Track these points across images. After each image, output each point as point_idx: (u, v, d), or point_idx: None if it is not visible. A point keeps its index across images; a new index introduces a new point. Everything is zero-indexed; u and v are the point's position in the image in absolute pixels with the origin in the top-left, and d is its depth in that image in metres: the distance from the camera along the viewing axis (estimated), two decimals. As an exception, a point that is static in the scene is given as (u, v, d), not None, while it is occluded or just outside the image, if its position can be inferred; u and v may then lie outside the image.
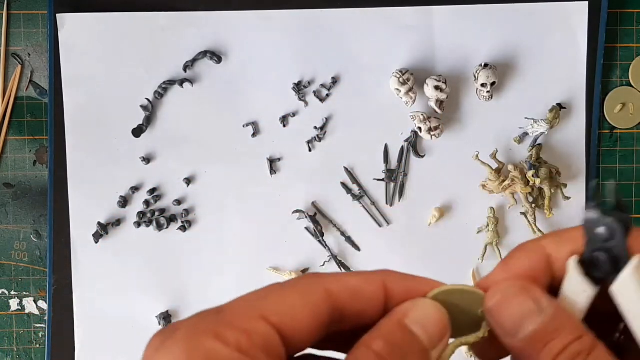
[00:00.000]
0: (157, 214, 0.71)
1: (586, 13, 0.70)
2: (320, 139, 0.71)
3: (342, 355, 0.30)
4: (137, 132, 0.71)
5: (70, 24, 0.70)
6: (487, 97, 0.70)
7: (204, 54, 0.70)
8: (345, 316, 0.29)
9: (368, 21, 0.70)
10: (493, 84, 0.69)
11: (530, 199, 0.71)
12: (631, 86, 0.73)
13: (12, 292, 0.72)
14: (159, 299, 0.71)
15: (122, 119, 0.71)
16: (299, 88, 0.71)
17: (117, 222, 0.71)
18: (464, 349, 0.72)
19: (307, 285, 0.28)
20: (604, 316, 0.30)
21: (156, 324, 0.71)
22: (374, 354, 0.27)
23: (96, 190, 0.71)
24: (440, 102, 0.70)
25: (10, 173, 0.72)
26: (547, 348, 0.28)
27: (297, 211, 0.71)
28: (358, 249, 0.72)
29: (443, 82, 0.69)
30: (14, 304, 0.73)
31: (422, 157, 0.72)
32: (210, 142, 0.71)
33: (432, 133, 0.70)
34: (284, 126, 0.71)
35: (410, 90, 0.69)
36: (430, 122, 0.69)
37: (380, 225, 0.72)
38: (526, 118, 0.71)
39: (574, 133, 0.72)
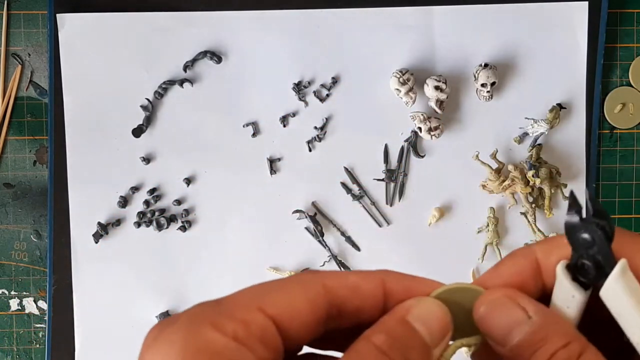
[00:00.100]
0: (157, 214, 0.71)
1: (586, 13, 0.70)
2: (320, 139, 0.71)
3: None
4: (137, 132, 0.71)
5: (70, 24, 0.70)
6: (487, 97, 0.70)
7: (204, 54, 0.70)
8: (344, 313, 0.29)
9: (368, 21, 0.70)
10: (493, 84, 0.69)
11: (530, 199, 0.71)
12: (631, 86, 0.73)
13: (12, 292, 0.72)
14: (159, 299, 0.71)
15: (122, 119, 0.71)
16: (299, 88, 0.71)
17: (117, 222, 0.71)
18: (464, 349, 0.72)
19: (306, 280, 0.29)
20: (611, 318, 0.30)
21: (156, 324, 0.71)
22: (375, 347, 0.27)
23: (96, 190, 0.71)
24: (440, 102, 0.70)
25: (10, 173, 0.72)
26: (534, 356, 0.28)
27: (297, 211, 0.71)
28: (358, 249, 0.72)
29: (443, 82, 0.69)
30: (14, 304, 0.73)
31: (422, 157, 0.72)
32: (210, 142, 0.71)
33: (432, 133, 0.70)
34: (284, 126, 0.71)
35: (410, 90, 0.69)
36: (430, 122, 0.69)
37: (380, 225, 0.72)
38: (526, 118, 0.71)
39: (574, 133, 0.72)
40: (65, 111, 0.70)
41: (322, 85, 0.71)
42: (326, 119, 0.71)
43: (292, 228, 0.72)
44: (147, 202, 0.71)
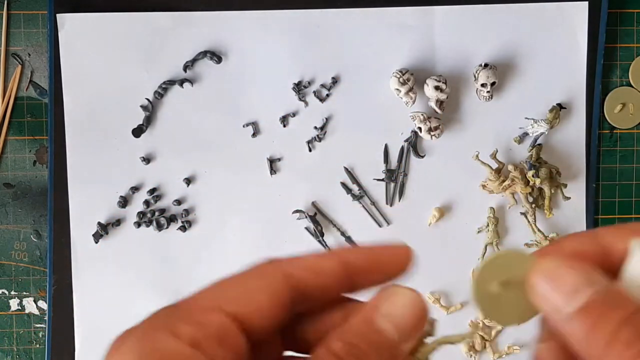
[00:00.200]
0: (157, 214, 0.71)
1: (586, 13, 0.70)
2: (320, 139, 0.71)
3: None
4: (137, 132, 0.71)
5: (70, 24, 0.70)
6: (487, 97, 0.70)
7: (204, 54, 0.70)
8: (307, 295, 0.28)
9: (368, 21, 0.70)
10: (493, 84, 0.69)
11: (530, 199, 0.71)
12: (631, 86, 0.73)
13: (12, 292, 0.72)
14: (159, 299, 0.71)
15: (122, 119, 0.71)
16: (299, 88, 0.71)
17: (117, 222, 0.71)
18: (464, 349, 0.72)
19: (262, 269, 0.29)
20: None
21: (156, 324, 0.71)
22: (332, 355, 0.27)
23: (96, 190, 0.71)
24: (440, 102, 0.70)
25: (10, 173, 0.72)
26: (602, 322, 0.25)
27: (297, 211, 0.71)
28: (358, 249, 0.72)
29: (443, 82, 0.69)
30: (14, 304, 0.73)
31: (422, 157, 0.72)
32: (210, 142, 0.71)
33: (432, 133, 0.70)
34: (284, 126, 0.71)
35: (410, 90, 0.69)
36: (430, 122, 0.69)
37: (380, 225, 0.72)
38: (526, 118, 0.71)
39: (574, 133, 0.72)
40: (65, 111, 0.70)
41: (322, 85, 0.71)
42: (326, 119, 0.71)
43: (292, 228, 0.72)
44: (147, 202, 0.71)
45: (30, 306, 0.73)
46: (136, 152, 0.71)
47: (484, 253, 0.72)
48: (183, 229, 0.71)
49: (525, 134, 0.72)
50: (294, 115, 0.71)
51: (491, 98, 0.70)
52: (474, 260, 0.72)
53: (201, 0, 0.70)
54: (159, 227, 0.71)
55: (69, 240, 0.71)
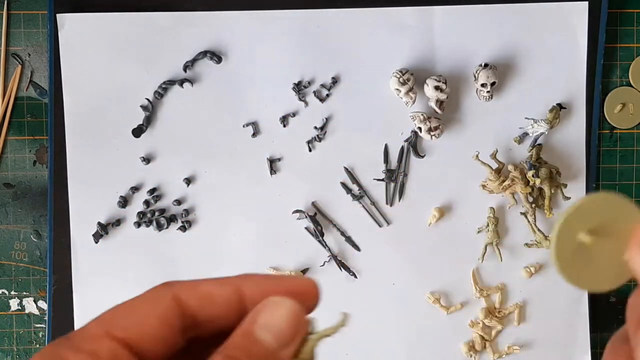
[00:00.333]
0: (157, 214, 0.71)
1: (586, 13, 0.70)
2: (320, 139, 0.71)
3: None
4: (137, 132, 0.71)
5: (70, 24, 0.70)
6: (487, 97, 0.70)
7: (204, 54, 0.70)
8: (199, 322, 0.29)
9: (368, 21, 0.70)
10: (493, 84, 0.69)
11: (530, 199, 0.71)
12: (631, 86, 0.73)
13: (12, 292, 0.72)
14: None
15: (122, 119, 0.71)
16: (299, 88, 0.71)
17: (117, 222, 0.71)
18: (464, 349, 0.72)
19: (154, 294, 0.29)
20: None
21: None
22: None
23: (96, 190, 0.71)
24: (440, 102, 0.70)
25: (10, 173, 0.72)
26: None
27: (297, 211, 0.71)
28: (358, 249, 0.72)
29: (443, 82, 0.69)
30: (14, 304, 0.73)
31: (422, 157, 0.72)
32: (210, 142, 0.71)
33: (432, 133, 0.70)
34: (284, 126, 0.71)
35: (410, 90, 0.69)
36: (430, 122, 0.69)
37: (380, 225, 0.72)
38: (526, 118, 0.71)
39: (574, 133, 0.72)
40: (65, 111, 0.70)
41: (322, 85, 0.71)
42: (326, 119, 0.71)
43: (292, 228, 0.72)
44: (147, 202, 0.71)
45: (30, 306, 0.73)
46: (136, 152, 0.71)
47: (484, 253, 0.72)
48: (183, 229, 0.71)
49: (525, 134, 0.72)
50: (294, 115, 0.71)
51: (491, 98, 0.70)
52: (474, 260, 0.72)
53: (201, 0, 0.70)
54: (159, 227, 0.71)
55: (69, 240, 0.71)
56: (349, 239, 0.72)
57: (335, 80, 0.71)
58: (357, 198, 0.72)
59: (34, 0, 0.71)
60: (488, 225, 0.71)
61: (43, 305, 0.72)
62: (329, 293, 0.72)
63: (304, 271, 0.72)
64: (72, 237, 0.71)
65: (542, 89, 0.71)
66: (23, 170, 0.72)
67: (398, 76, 0.69)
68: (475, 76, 0.70)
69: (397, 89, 0.69)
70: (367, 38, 0.70)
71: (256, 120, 0.71)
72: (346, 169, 0.72)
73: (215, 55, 0.70)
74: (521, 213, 0.72)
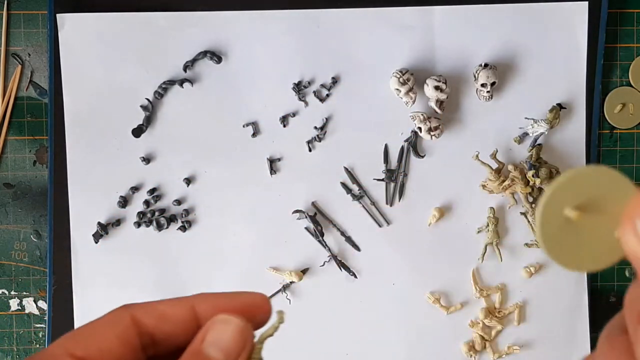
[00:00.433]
0: (157, 214, 0.71)
1: (586, 13, 0.70)
2: (320, 139, 0.71)
3: None
4: (137, 132, 0.71)
5: (70, 24, 0.70)
6: (487, 97, 0.70)
7: (204, 54, 0.70)
8: (157, 340, 0.30)
9: (368, 21, 0.70)
10: (493, 84, 0.69)
11: (530, 199, 0.71)
12: (631, 86, 0.73)
13: (12, 292, 0.72)
14: (158, 298, 0.71)
15: (122, 119, 0.71)
16: (299, 88, 0.71)
17: (117, 222, 0.71)
18: (464, 349, 0.72)
19: (113, 316, 0.30)
20: None
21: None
22: None
23: (96, 190, 0.71)
24: (440, 102, 0.70)
25: (10, 173, 0.72)
26: None
27: (297, 211, 0.71)
28: (358, 249, 0.72)
29: (443, 82, 0.69)
30: (14, 304, 0.73)
31: (422, 157, 0.72)
32: (210, 142, 0.71)
33: (432, 133, 0.70)
34: (284, 126, 0.71)
35: (410, 90, 0.69)
36: (430, 122, 0.69)
37: (380, 225, 0.72)
38: (526, 118, 0.71)
39: (574, 133, 0.72)
40: (65, 111, 0.70)
41: (322, 85, 0.71)
42: (326, 119, 0.71)
43: (292, 228, 0.72)
44: (147, 202, 0.71)
45: (30, 306, 0.73)
46: (136, 152, 0.71)
47: (484, 253, 0.72)
48: (183, 229, 0.71)
49: (525, 134, 0.72)
50: (294, 115, 0.71)
51: (491, 98, 0.71)
52: (474, 260, 0.72)
53: (201, 0, 0.70)
54: (159, 227, 0.71)
55: (69, 240, 0.71)
56: (349, 239, 0.72)
57: (335, 80, 0.71)
58: (357, 198, 0.72)
59: (34, 0, 0.71)
60: (488, 225, 0.71)
61: (43, 305, 0.72)
62: (329, 293, 0.72)
63: (304, 271, 0.72)
64: (72, 237, 0.71)
65: (542, 89, 0.71)
66: (23, 170, 0.72)
67: (398, 76, 0.69)
68: (475, 76, 0.70)
69: (397, 89, 0.69)
70: (367, 38, 0.70)
71: (256, 120, 0.71)
72: (346, 169, 0.72)
73: (215, 55, 0.70)
74: (521, 213, 0.72)
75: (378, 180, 0.72)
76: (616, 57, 0.73)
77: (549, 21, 0.71)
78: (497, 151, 0.70)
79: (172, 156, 0.71)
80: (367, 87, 0.71)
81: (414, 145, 0.71)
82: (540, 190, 0.71)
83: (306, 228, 0.72)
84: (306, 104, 0.71)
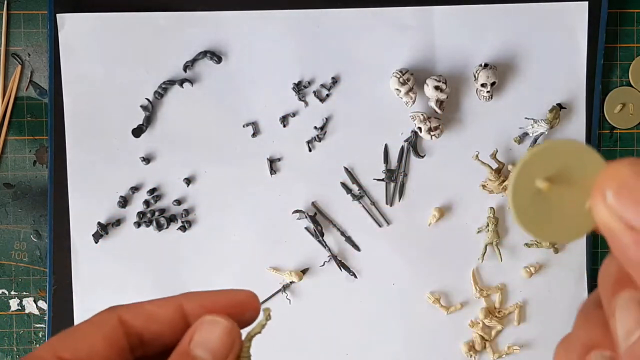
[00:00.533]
0: (157, 214, 0.71)
1: (586, 13, 0.70)
2: (320, 139, 0.71)
3: None
4: (137, 132, 0.71)
5: (70, 24, 0.70)
6: (487, 97, 0.70)
7: (204, 54, 0.70)
8: (146, 341, 0.30)
9: (368, 21, 0.70)
10: (493, 84, 0.69)
11: (530, 199, 0.71)
12: (631, 86, 0.73)
13: (12, 292, 0.72)
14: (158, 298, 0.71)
15: (122, 119, 0.71)
16: (299, 88, 0.71)
17: (117, 222, 0.71)
18: (464, 349, 0.72)
19: (100, 317, 0.30)
20: None
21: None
22: None
23: (96, 190, 0.71)
24: (440, 102, 0.70)
25: (10, 173, 0.72)
26: None
27: (297, 211, 0.71)
28: (358, 249, 0.72)
29: (443, 82, 0.69)
30: (14, 304, 0.73)
31: (422, 157, 0.72)
32: (210, 142, 0.71)
33: (432, 133, 0.70)
34: (284, 126, 0.71)
35: (410, 90, 0.69)
36: (430, 122, 0.69)
37: (380, 225, 0.72)
38: (526, 118, 0.71)
39: (574, 133, 0.72)
40: (65, 111, 0.70)
41: (322, 85, 0.71)
42: (326, 119, 0.71)
43: (292, 228, 0.72)
44: (147, 202, 0.71)
45: (30, 306, 0.73)
46: (136, 152, 0.71)
47: (484, 253, 0.72)
48: (183, 229, 0.71)
49: (525, 134, 0.72)
50: (294, 115, 0.71)
51: (491, 98, 0.71)
52: (474, 260, 0.72)
53: (201, 0, 0.70)
54: (159, 227, 0.71)
55: (69, 240, 0.71)
56: (349, 239, 0.72)
57: (335, 80, 0.71)
58: (357, 198, 0.72)
59: (34, 0, 0.71)
60: (488, 225, 0.71)
61: (43, 305, 0.72)
62: (329, 293, 0.72)
63: (304, 271, 0.72)
64: (72, 237, 0.71)
65: (542, 89, 0.71)
66: (23, 170, 0.72)
67: (398, 76, 0.69)
68: (475, 76, 0.70)
69: (397, 89, 0.69)
70: (367, 38, 0.70)
71: (256, 120, 0.71)
72: (346, 169, 0.72)
73: (215, 55, 0.70)
74: (521, 213, 0.72)
75: (378, 180, 0.72)
76: (616, 57, 0.73)
77: (549, 21, 0.71)
78: (497, 151, 0.70)
79: (172, 156, 0.71)
80: (367, 87, 0.71)
81: (414, 145, 0.71)
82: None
83: (306, 228, 0.72)
84: (306, 104, 0.71)
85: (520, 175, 0.24)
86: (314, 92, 0.71)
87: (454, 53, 0.71)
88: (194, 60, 0.70)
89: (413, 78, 0.69)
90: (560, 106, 0.71)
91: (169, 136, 0.71)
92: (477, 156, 0.70)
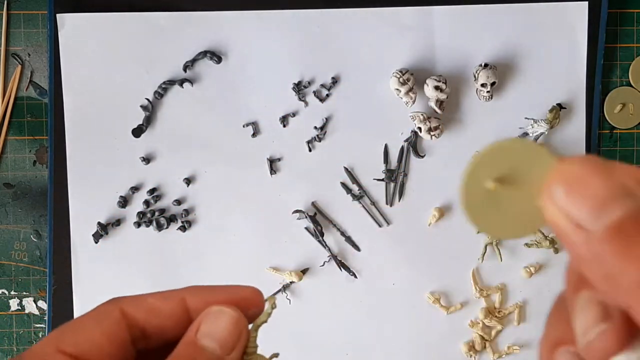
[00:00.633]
0: (157, 214, 0.71)
1: (586, 13, 0.70)
2: (320, 139, 0.71)
3: None
4: (137, 132, 0.71)
5: (70, 24, 0.70)
6: (487, 97, 0.70)
7: (204, 54, 0.70)
8: (148, 334, 0.30)
9: (368, 21, 0.70)
10: (493, 84, 0.69)
11: (530, 199, 0.71)
12: (631, 86, 0.73)
13: (12, 292, 0.72)
14: (159, 299, 0.71)
15: (122, 119, 0.71)
16: (299, 88, 0.71)
17: (117, 222, 0.71)
18: (464, 349, 0.72)
19: (102, 309, 0.30)
20: None
21: (156, 324, 0.71)
22: None
23: (96, 190, 0.71)
24: (440, 102, 0.70)
25: (10, 173, 0.72)
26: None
27: (297, 211, 0.71)
28: (358, 249, 0.72)
29: (443, 82, 0.69)
30: (14, 304, 0.73)
31: (422, 157, 0.72)
32: (210, 142, 0.71)
33: (432, 133, 0.70)
34: (284, 126, 0.71)
35: (410, 90, 0.69)
36: (430, 122, 0.69)
37: (380, 225, 0.72)
38: (526, 118, 0.71)
39: (574, 133, 0.72)
40: (65, 111, 0.70)
41: (322, 85, 0.71)
42: (326, 119, 0.71)
43: (292, 228, 0.72)
44: (147, 202, 0.71)
45: (30, 306, 0.73)
46: (136, 152, 0.71)
47: (484, 253, 0.72)
48: (183, 229, 0.71)
49: (525, 134, 0.72)
50: (294, 115, 0.71)
51: (491, 98, 0.71)
52: (474, 260, 0.72)
53: (201, 0, 0.70)
54: (159, 227, 0.71)
55: (69, 240, 0.71)
56: (349, 239, 0.72)
57: (335, 80, 0.71)
58: (357, 198, 0.72)
59: (34, 0, 0.71)
60: (488, 225, 0.71)
61: (43, 305, 0.72)
62: (329, 293, 0.72)
63: (304, 271, 0.72)
64: (72, 237, 0.71)
65: (542, 89, 0.71)
66: (23, 170, 0.72)
67: (398, 76, 0.69)
68: (475, 76, 0.70)
69: (397, 89, 0.69)
70: (367, 38, 0.70)
71: (256, 120, 0.71)
72: (346, 169, 0.72)
73: (215, 55, 0.70)
74: (521, 213, 0.72)
75: (378, 180, 0.72)
76: (616, 57, 0.73)
77: (549, 21, 0.71)
78: (497, 151, 0.70)
79: (172, 156, 0.71)
80: (367, 87, 0.71)
81: (414, 145, 0.71)
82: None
83: (306, 228, 0.72)
84: (306, 104, 0.71)
85: (471, 175, 0.24)
86: (314, 92, 0.71)
87: (454, 53, 0.71)
88: (194, 60, 0.70)
89: (413, 78, 0.69)
90: (560, 106, 0.71)
91: (169, 136, 0.71)
92: (477, 156, 0.70)
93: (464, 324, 0.73)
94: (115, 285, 0.71)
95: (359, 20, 0.70)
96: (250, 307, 0.31)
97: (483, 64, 0.69)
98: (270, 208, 0.72)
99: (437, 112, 0.70)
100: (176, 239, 0.72)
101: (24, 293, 0.73)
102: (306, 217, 0.71)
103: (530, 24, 0.71)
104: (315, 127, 0.71)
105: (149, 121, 0.71)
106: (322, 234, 0.71)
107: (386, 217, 0.72)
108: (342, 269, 0.72)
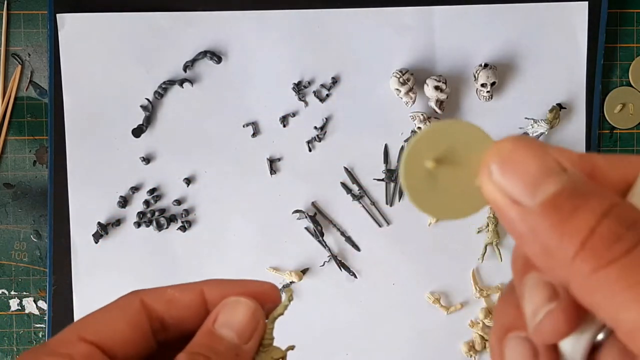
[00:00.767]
0: (157, 214, 0.72)
1: (586, 13, 0.70)
2: (320, 139, 0.71)
3: None
4: (137, 132, 0.71)
5: (70, 24, 0.70)
6: (487, 97, 0.70)
7: (204, 54, 0.70)
8: (167, 325, 0.31)
9: (368, 21, 0.70)
10: (493, 84, 0.69)
11: (530, 199, 0.71)
12: (631, 86, 0.73)
13: (12, 292, 0.72)
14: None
15: (122, 119, 0.71)
16: (299, 88, 0.71)
17: (117, 222, 0.71)
18: (464, 349, 0.72)
19: (123, 301, 0.31)
20: None
21: (156, 324, 0.71)
22: None
23: (96, 190, 0.71)
24: (440, 102, 0.70)
25: (10, 173, 0.72)
26: (576, 216, 0.21)
27: (297, 211, 0.71)
28: (358, 249, 0.72)
29: (443, 82, 0.69)
30: (14, 304, 0.73)
31: (422, 157, 0.72)
32: (210, 142, 0.71)
33: (432, 133, 0.69)
34: (284, 126, 0.71)
35: (410, 90, 0.69)
36: (430, 122, 0.69)
37: (380, 225, 0.72)
38: (526, 118, 0.71)
39: (574, 133, 0.72)
40: (65, 111, 0.70)
41: (322, 85, 0.71)
42: (326, 119, 0.71)
43: (292, 228, 0.72)
44: (147, 202, 0.71)
45: (30, 306, 0.73)
46: (136, 152, 0.71)
47: (484, 253, 0.72)
48: (183, 229, 0.71)
49: (525, 134, 0.72)
50: (294, 115, 0.71)
51: (491, 98, 0.71)
52: (474, 260, 0.72)
53: (201, 0, 0.70)
54: (159, 227, 0.71)
55: (69, 240, 0.71)
56: (349, 239, 0.72)
57: (335, 80, 0.71)
58: (357, 198, 0.72)
59: (34, 0, 0.71)
60: (488, 225, 0.72)
61: (43, 305, 0.72)
62: (329, 293, 0.72)
63: (304, 271, 0.72)
64: (72, 237, 0.71)
65: (542, 89, 0.71)
66: (23, 170, 0.72)
67: (398, 76, 0.69)
68: (475, 76, 0.70)
69: (397, 89, 0.69)
70: (367, 38, 0.70)
71: (256, 120, 0.71)
72: (346, 169, 0.72)
73: (215, 55, 0.70)
74: (521, 213, 0.72)
75: (378, 180, 0.72)
76: (616, 57, 0.73)
77: (549, 21, 0.71)
78: (497, 151, 0.70)
79: (172, 156, 0.71)
80: (367, 87, 0.71)
81: (414, 145, 0.71)
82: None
83: (306, 228, 0.72)
84: (306, 104, 0.71)
85: (411, 155, 0.24)
86: (314, 92, 0.71)
87: (454, 53, 0.71)
88: (194, 60, 0.70)
89: (413, 78, 0.69)
90: (560, 106, 0.71)
91: (169, 136, 0.71)
92: (477, 156, 0.70)
93: (464, 324, 0.73)
94: (115, 285, 0.71)
95: (359, 20, 0.70)
96: (267, 301, 0.31)
97: (483, 64, 0.69)
98: (270, 208, 0.72)
99: (437, 112, 0.70)
100: (176, 239, 0.72)
101: (24, 293, 0.73)
102: (306, 217, 0.71)
103: (530, 24, 0.71)
104: (315, 127, 0.71)
105: (149, 121, 0.71)
106: (322, 234, 0.71)
107: (386, 217, 0.72)
108: (342, 269, 0.72)
